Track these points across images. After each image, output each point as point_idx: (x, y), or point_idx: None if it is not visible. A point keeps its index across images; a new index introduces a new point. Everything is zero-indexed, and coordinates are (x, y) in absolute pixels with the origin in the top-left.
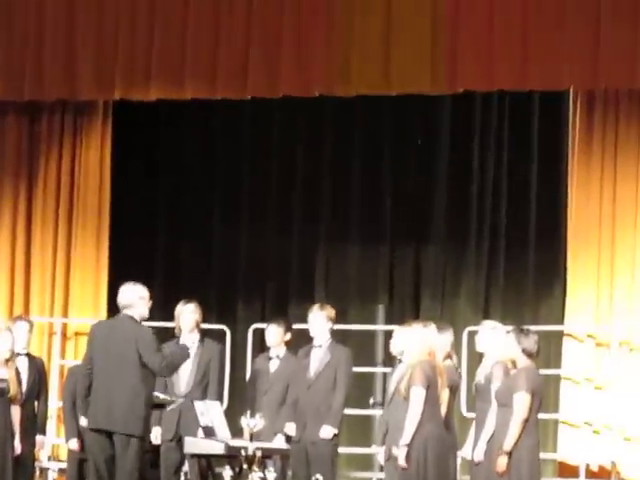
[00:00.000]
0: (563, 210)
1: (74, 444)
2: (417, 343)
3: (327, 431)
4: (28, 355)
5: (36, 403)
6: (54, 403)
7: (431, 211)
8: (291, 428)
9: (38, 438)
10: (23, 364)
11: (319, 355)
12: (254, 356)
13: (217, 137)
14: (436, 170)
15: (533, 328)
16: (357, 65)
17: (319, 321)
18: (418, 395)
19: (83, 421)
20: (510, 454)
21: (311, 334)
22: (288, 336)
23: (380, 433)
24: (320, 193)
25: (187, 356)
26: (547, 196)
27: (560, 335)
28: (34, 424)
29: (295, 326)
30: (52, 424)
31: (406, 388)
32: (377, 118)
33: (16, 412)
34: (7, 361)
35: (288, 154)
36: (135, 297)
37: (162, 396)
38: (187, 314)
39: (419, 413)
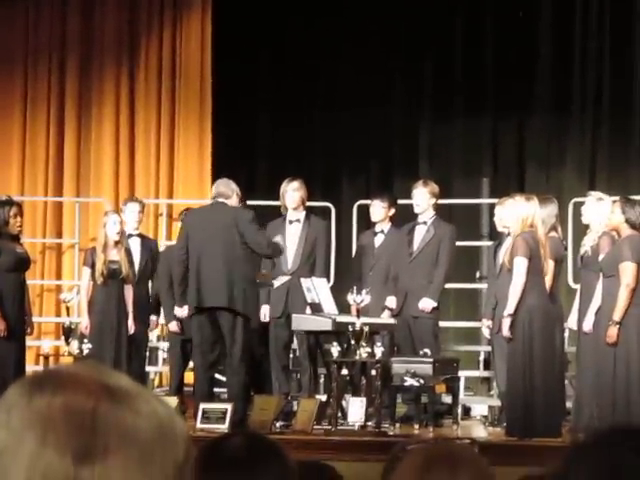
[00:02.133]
0: None
1: (174, 326)
2: (519, 216)
3: (426, 303)
4: (140, 235)
5: (150, 283)
6: None
7: (534, 81)
8: (391, 301)
9: (151, 318)
10: (135, 245)
11: (422, 231)
12: (359, 232)
13: (317, 16)
14: (538, 40)
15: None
16: None
17: (423, 197)
18: (520, 265)
19: (178, 311)
20: (619, 324)
21: (415, 211)
22: (392, 211)
23: (488, 306)
24: (422, 67)
25: (280, 253)
26: None
27: None
28: (147, 304)
29: (400, 201)
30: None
31: (509, 259)
32: None
33: (129, 292)
34: (117, 243)
35: (390, 27)
36: (232, 192)
37: (264, 272)
38: (292, 191)
39: (522, 283)
